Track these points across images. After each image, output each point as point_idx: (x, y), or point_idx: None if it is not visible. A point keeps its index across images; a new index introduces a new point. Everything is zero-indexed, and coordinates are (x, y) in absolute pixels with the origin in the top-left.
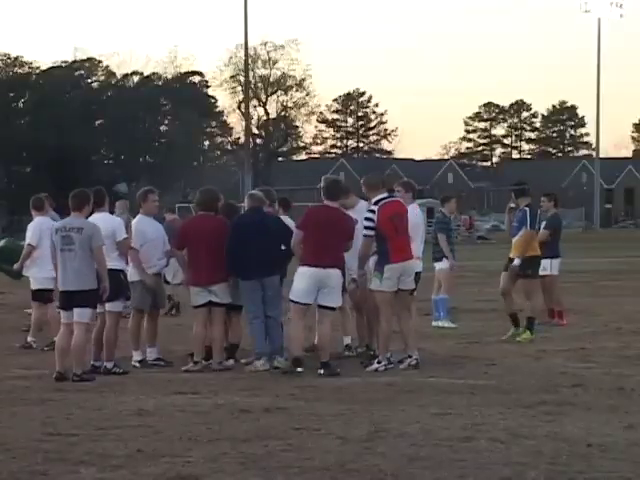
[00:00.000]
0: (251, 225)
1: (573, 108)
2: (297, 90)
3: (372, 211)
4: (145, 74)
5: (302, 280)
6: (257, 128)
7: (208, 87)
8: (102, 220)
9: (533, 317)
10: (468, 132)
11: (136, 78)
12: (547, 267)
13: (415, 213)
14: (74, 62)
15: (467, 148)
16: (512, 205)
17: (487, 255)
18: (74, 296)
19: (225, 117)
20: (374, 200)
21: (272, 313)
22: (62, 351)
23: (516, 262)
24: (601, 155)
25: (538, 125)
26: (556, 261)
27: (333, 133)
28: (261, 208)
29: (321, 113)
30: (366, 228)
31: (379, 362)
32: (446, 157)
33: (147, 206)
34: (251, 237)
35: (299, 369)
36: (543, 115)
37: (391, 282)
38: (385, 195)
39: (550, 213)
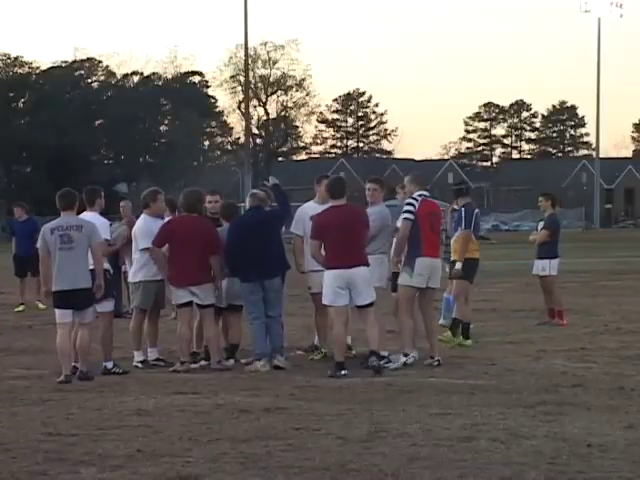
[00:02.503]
0: (251, 225)
1: (573, 108)
2: (297, 90)
3: (414, 199)
4: (145, 74)
5: (329, 283)
6: (257, 128)
7: (208, 87)
8: (90, 220)
9: (463, 321)
10: (468, 132)
11: (136, 78)
12: (546, 267)
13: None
14: (74, 62)
15: (467, 148)
16: (455, 206)
17: (487, 255)
18: (75, 295)
19: (225, 117)
20: (417, 194)
21: (273, 313)
22: (65, 353)
23: (458, 266)
24: (601, 155)
25: (538, 125)
26: (555, 261)
27: (333, 133)
28: (263, 208)
29: (321, 113)
30: (407, 212)
31: (405, 355)
32: (446, 157)
33: (156, 206)
34: (251, 238)
35: (343, 372)
36: (543, 115)
37: (422, 278)
38: (426, 193)
39: (547, 213)
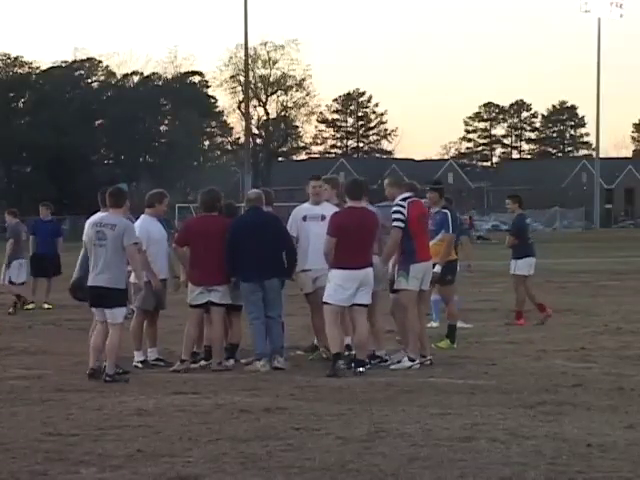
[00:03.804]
0: (250, 225)
1: (573, 108)
2: (297, 90)
3: (402, 205)
4: (145, 74)
5: (341, 283)
6: (257, 128)
7: (208, 87)
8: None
9: (453, 324)
10: (468, 132)
11: (136, 78)
12: (512, 268)
13: None
14: (74, 62)
15: (467, 148)
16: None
17: (487, 255)
18: (103, 293)
19: (225, 117)
20: (401, 197)
21: (272, 313)
22: (97, 348)
23: (437, 269)
24: (601, 155)
25: (538, 125)
26: (523, 261)
27: (333, 133)
28: (261, 208)
29: (321, 113)
30: (397, 220)
31: (412, 360)
32: (446, 157)
33: (161, 208)
34: (251, 238)
35: (341, 362)
36: (543, 115)
37: (417, 281)
38: (410, 194)
39: (515, 214)
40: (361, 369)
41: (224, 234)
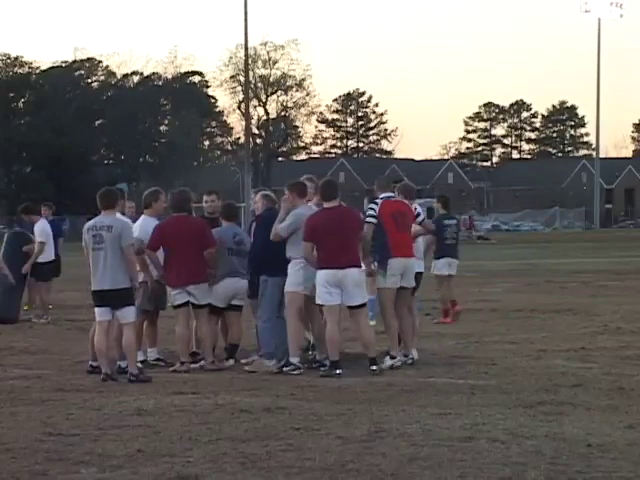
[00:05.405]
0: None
1: (573, 108)
2: (297, 90)
3: (375, 203)
4: (145, 74)
5: (323, 283)
6: (257, 128)
7: (208, 87)
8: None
9: None
10: (468, 132)
11: (136, 78)
12: (432, 268)
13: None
14: (74, 62)
15: (467, 148)
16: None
17: (487, 255)
18: (110, 295)
19: (225, 117)
20: (381, 197)
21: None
22: (101, 352)
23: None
24: (601, 155)
25: (538, 125)
26: (440, 261)
27: (333, 133)
28: (275, 209)
29: (321, 113)
30: (369, 216)
31: (393, 357)
32: (446, 157)
33: (158, 206)
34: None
35: (338, 371)
36: (543, 115)
37: (395, 278)
38: (390, 194)
39: (438, 214)
40: (374, 367)
41: (197, 234)
